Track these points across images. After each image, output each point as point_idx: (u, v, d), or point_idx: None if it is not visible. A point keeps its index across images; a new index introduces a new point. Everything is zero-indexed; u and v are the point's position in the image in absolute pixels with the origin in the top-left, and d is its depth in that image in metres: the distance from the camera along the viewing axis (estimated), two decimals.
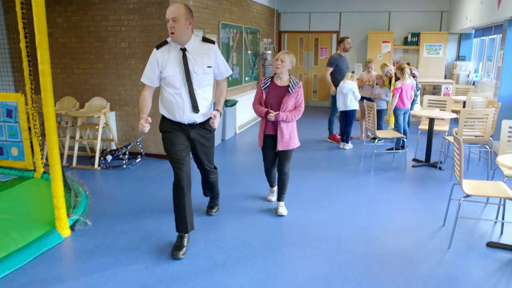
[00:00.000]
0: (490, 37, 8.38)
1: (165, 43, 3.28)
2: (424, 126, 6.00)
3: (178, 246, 3.27)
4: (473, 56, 9.96)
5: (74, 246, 3.48)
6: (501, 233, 3.69)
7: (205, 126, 3.43)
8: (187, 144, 3.36)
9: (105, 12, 5.95)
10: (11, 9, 6.57)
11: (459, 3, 8.85)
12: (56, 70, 6.32)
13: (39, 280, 2.94)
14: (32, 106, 4.80)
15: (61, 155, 5.90)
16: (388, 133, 5.98)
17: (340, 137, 7.08)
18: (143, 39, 5.83)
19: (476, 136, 5.08)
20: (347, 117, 6.69)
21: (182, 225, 3.31)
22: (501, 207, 3.80)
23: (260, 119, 4.01)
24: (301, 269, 3.08)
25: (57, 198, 3.54)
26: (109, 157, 5.72)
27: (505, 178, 3.87)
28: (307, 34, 11.17)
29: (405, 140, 5.99)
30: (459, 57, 10.06)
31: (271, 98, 3.87)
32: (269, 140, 3.96)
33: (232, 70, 8.03)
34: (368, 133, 7.25)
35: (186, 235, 3.33)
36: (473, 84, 9.31)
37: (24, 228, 3.61)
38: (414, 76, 6.61)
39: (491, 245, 3.44)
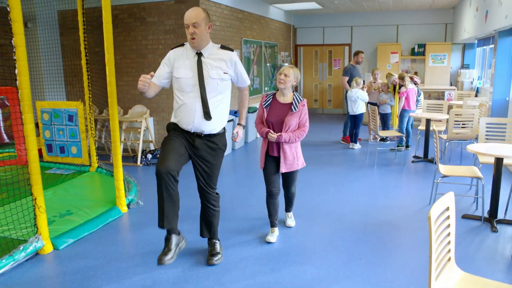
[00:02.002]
0: (490, 46, 9.12)
1: (181, 45, 3.17)
2: (423, 127, 6.81)
3: (163, 251, 3.08)
4: (476, 64, 10.69)
5: (130, 219, 4.44)
6: (476, 209, 4.49)
7: (215, 140, 3.16)
8: (187, 150, 3.10)
9: (145, 33, 7.01)
10: (65, 32, 7.74)
11: (460, 16, 9.65)
12: (103, 82, 7.38)
13: (108, 240, 3.91)
14: (90, 112, 5.85)
15: (108, 156, 6.95)
16: (390, 132, 6.83)
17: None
18: None
19: (458, 133, 5.88)
20: (356, 120, 7.55)
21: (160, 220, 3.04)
22: (478, 186, 4.59)
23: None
24: (309, 233, 3.95)
25: (118, 181, 4.51)
26: (149, 156, 6.71)
27: (480, 165, 4.69)
28: (322, 47, 12.10)
29: (405, 139, 6.82)
30: (463, 66, 10.80)
31: (272, 117, 3.58)
32: (272, 161, 3.65)
33: (253, 81, 9.02)
34: (373, 134, 8.09)
35: (172, 235, 3.12)
36: (477, 90, 10.03)
37: (91, 206, 4.60)
38: (415, 83, 7.45)
39: (465, 216, 4.24)
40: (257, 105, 8.92)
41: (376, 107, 6.73)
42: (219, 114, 3.12)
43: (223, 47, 3.15)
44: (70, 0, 7.34)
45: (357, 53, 8.06)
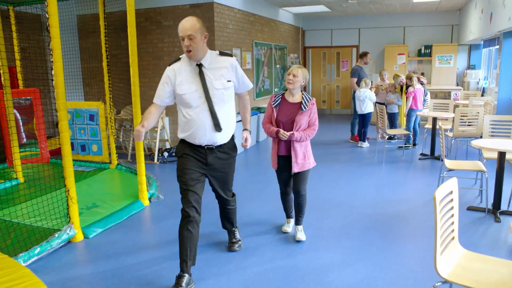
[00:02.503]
0: (495, 47, 9.32)
1: (177, 59, 3.01)
2: (430, 125, 7.03)
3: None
4: (482, 65, 10.87)
5: (152, 212, 4.70)
6: (481, 201, 4.70)
7: (225, 149, 3.13)
8: (202, 172, 3.07)
9: (161, 36, 7.31)
10: (84, 36, 8.05)
11: (466, 18, 9.85)
12: (120, 84, 7.70)
13: (134, 230, 4.18)
14: (110, 111, 6.14)
15: (125, 154, 7.24)
16: (397, 130, 7.06)
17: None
18: None
19: (463, 131, 6.09)
20: (364, 119, 7.78)
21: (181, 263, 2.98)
22: (482, 180, 4.81)
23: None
24: (322, 222, 4.20)
25: (141, 176, 4.79)
26: (165, 154, 6.99)
27: (485, 160, 4.91)
28: (330, 48, 12.34)
29: (413, 137, 7.04)
30: (469, 66, 10.99)
31: (282, 117, 3.61)
32: (283, 161, 3.70)
33: (264, 82, 9.29)
34: (381, 132, 8.33)
35: (185, 275, 2.94)
36: (483, 90, 10.21)
37: (115, 199, 4.88)
38: (422, 84, 7.68)
39: (470, 208, 4.47)
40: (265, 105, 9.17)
41: (384, 106, 6.97)
42: (228, 124, 3.07)
43: (222, 53, 3.04)
44: (89, 6, 7.67)
45: (365, 54, 8.30)
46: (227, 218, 3.56)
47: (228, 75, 2.99)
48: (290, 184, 3.82)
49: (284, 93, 3.70)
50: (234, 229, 3.69)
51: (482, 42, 10.62)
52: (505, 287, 2.07)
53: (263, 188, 5.41)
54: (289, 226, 4.03)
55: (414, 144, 7.54)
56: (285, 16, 10.56)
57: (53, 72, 3.54)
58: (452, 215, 2.41)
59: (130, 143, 7.23)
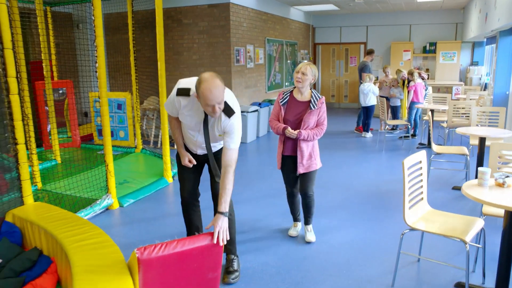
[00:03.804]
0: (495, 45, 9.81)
1: (186, 94, 2.78)
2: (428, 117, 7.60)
3: None
4: (485, 61, 11.35)
5: (175, 188, 5.38)
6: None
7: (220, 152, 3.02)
8: (197, 168, 3.19)
9: (181, 33, 7.98)
10: (110, 32, 8.76)
11: (468, 17, 10.35)
12: (143, 76, 8.40)
13: (161, 201, 4.88)
14: (136, 101, 6.84)
15: (148, 141, 7.95)
16: (397, 121, 7.65)
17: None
18: (210, 53, 7.80)
19: (456, 122, 6.66)
20: (368, 112, 8.38)
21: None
22: (466, 162, 5.41)
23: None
24: (324, 196, 4.84)
25: (166, 157, 5.48)
26: None
27: (471, 146, 5.50)
28: (339, 45, 12.92)
29: (410, 128, 7.61)
30: (472, 63, 11.48)
31: (290, 115, 3.47)
32: (289, 161, 3.58)
33: (275, 77, 9.93)
34: (384, 124, 8.94)
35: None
36: (485, 86, 10.70)
37: (142, 177, 5.58)
38: (423, 78, 8.24)
39: (454, 188, 5.06)
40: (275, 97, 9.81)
41: (385, 99, 7.57)
42: (220, 144, 3.05)
43: (225, 109, 2.72)
44: (114, 5, 8.37)
45: (372, 52, 8.90)
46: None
47: (221, 130, 2.85)
48: (297, 185, 3.68)
49: (292, 90, 3.55)
50: (233, 257, 3.19)
51: (485, 40, 11.09)
52: (455, 231, 2.69)
53: (273, 169, 6.05)
54: (296, 230, 3.86)
55: (414, 135, 8.13)
56: (296, 14, 11.16)
57: (97, 64, 4.21)
58: (421, 180, 3.03)
59: (152, 131, 7.94)
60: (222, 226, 2.46)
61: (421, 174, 3.03)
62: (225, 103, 2.68)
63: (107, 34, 8.81)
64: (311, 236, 3.69)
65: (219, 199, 2.61)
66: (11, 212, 3.44)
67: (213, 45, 7.72)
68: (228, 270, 3.09)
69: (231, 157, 2.72)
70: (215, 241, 2.40)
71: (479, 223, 2.83)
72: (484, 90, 10.17)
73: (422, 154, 3.02)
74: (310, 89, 3.53)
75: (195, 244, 2.36)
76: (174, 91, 2.81)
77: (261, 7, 8.95)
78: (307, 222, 3.75)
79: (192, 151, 3.10)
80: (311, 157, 3.51)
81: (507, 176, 2.73)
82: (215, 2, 7.66)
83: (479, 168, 2.79)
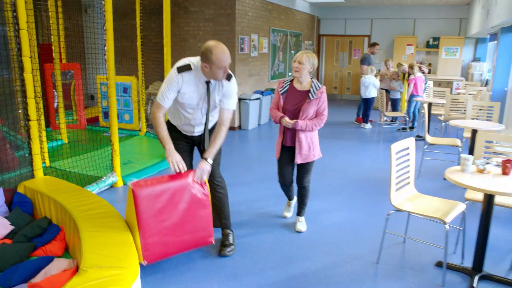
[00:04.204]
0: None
1: (188, 68, 2.91)
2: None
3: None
4: (487, 57, 11.45)
5: None
6: None
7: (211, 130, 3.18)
8: (186, 149, 3.25)
9: (187, 20, 8.14)
10: (117, 18, 8.90)
11: (472, 12, 10.44)
12: (148, 62, 8.57)
13: None
14: (142, 86, 7.03)
15: (151, 125, 8.13)
16: (396, 113, 7.82)
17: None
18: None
19: (452, 115, 6.82)
20: (367, 103, 8.55)
21: None
22: (459, 156, 5.58)
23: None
24: (320, 181, 5.04)
25: None
26: None
27: (464, 139, 5.68)
28: (343, 37, 13.03)
29: (409, 121, 7.79)
30: (475, 59, 11.58)
31: (289, 105, 3.43)
32: (287, 152, 3.54)
33: (279, 66, 10.08)
34: (382, 115, 9.11)
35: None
36: (486, 82, 10.83)
37: (146, 158, 5.79)
38: (423, 72, 8.39)
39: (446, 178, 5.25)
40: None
41: (385, 91, 7.73)
42: (216, 119, 3.19)
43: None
44: None
45: (374, 45, 9.05)
46: (217, 210, 3.33)
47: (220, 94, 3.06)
48: (290, 177, 3.68)
49: (293, 80, 3.51)
50: (228, 231, 3.39)
51: (488, 36, 11.18)
52: (437, 213, 2.89)
53: (272, 155, 6.25)
54: (290, 211, 3.99)
55: (412, 128, 8.29)
56: (301, 5, 11.27)
57: (106, 48, 4.39)
58: (409, 165, 3.22)
59: None
60: (203, 168, 2.91)
61: (409, 160, 3.22)
62: None
63: (115, 19, 8.91)
64: (301, 226, 3.70)
65: (208, 148, 2.98)
66: (23, 184, 3.66)
67: (218, 33, 7.87)
68: (224, 244, 3.30)
69: (227, 116, 3.04)
70: (196, 179, 2.89)
71: (461, 206, 3.03)
72: (485, 86, 10.30)
73: (410, 141, 3.20)
74: (311, 78, 3.47)
75: (182, 177, 2.89)
76: (174, 70, 2.91)
77: None
78: (299, 213, 3.75)
79: (187, 134, 3.19)
80: (309, 148, 3.47)
81: (487, 163, 2.92)
82: None
83: (462, 155, 2.98)
